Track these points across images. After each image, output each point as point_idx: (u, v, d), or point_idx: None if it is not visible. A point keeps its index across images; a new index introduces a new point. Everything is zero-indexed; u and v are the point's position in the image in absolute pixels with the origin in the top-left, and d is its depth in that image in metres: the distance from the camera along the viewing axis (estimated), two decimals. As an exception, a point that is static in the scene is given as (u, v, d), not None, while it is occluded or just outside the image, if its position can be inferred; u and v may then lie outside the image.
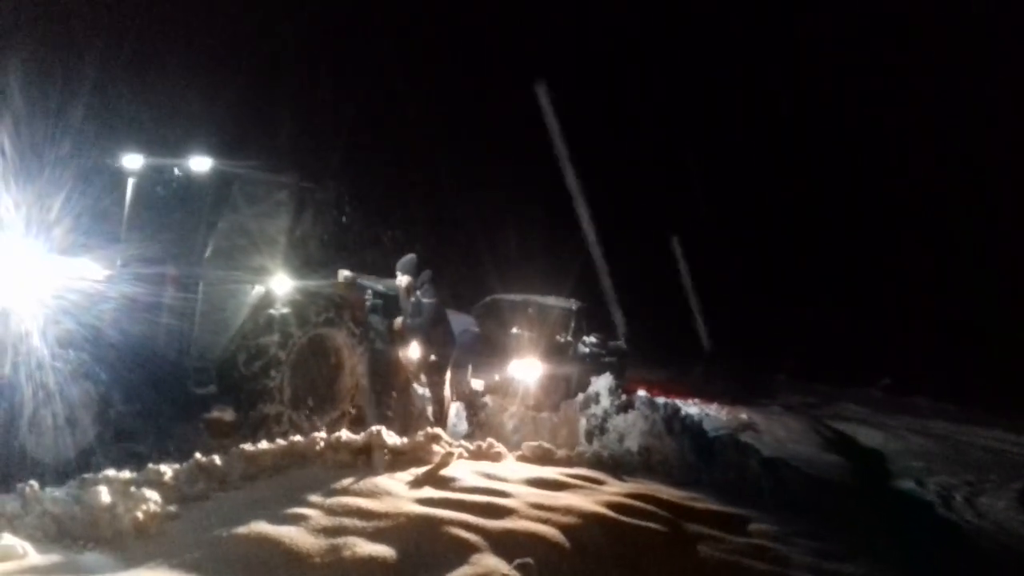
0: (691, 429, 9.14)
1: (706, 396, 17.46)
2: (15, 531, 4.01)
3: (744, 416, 15.19)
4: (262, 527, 4.35)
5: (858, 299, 27.22)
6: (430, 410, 9.49)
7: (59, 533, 4.20)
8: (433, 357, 9.25)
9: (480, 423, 9.84)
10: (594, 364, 11.95)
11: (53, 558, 3.89)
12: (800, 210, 30.23)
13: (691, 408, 14.43)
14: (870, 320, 26.11)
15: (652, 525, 5.72)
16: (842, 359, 23.82)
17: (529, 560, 4.44)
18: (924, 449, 13.54)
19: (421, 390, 9.89)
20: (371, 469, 5.86)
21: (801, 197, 30.26)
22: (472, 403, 9.97)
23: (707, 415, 14.46)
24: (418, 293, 9.22)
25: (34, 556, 3.85)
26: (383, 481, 5.49)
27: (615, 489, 6.68)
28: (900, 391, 21.80)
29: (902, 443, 14.05)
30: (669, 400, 11.06)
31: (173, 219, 7.43)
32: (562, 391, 10.98)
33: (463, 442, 7.27)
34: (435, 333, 9.19)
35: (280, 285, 7.59)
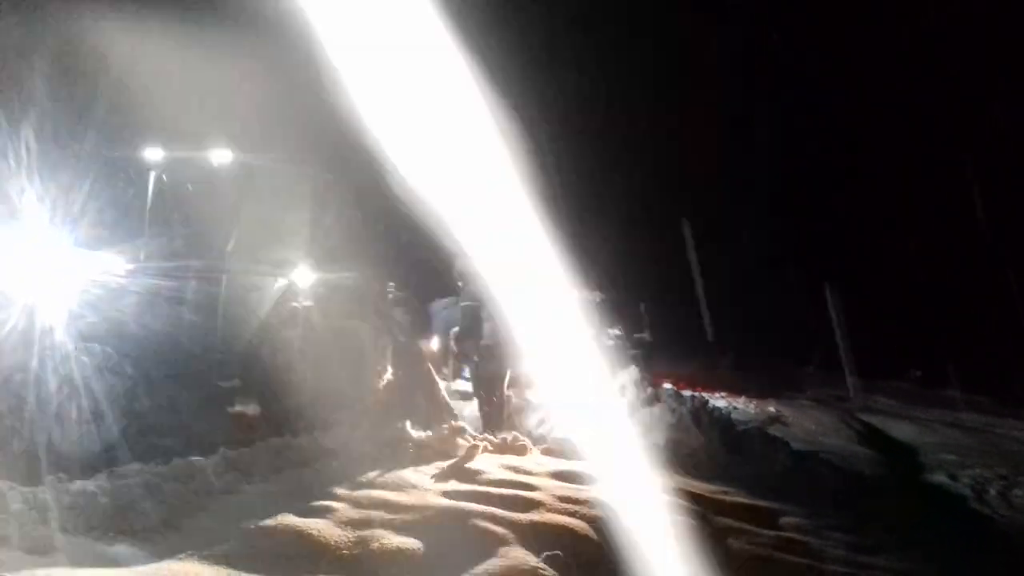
0: (719, 422, 9.04)
1: (734, 389, 17.28)
2: (45, 523, 4.04)
3: (772, 409, 15.01)
4: (289, 519, 4.33)
5: (888, 290, 26.84)
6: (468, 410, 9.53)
7: (88, 526, 4.22)
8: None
9: (504, 417, 9.80)
10: (618, 357, 11.84)
11: (83, 550, 3.90)
12: (828, 199, 29.86)
13: (719, 401, 14.28)
14: (900, 311, 25.75)
15: (681, 518, 5.63)
16: (872, 351, 23.48)
17: (558, 552, 4.38)
18: (957, 442, 13.30)
19: (444, 383, 9.88)
20: (396, 462, 5.84)
21: (829, 186, 29.90)
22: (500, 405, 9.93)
23: (735, 408, 14.29)
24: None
25: (65, 548, 3.86)
26: (408, 474, 5.48)
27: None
28: (932, 383, 21.44)
29: (934, 436, 13.81)
30: (696, 393, 10.94)
31: (195, 212, 7.43)
32: (587, 384, 10.89)
33: (487, 435, 7.22)
34: (467, 344, 9.27)
35: (303, 278, 7.58)
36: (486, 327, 9.23)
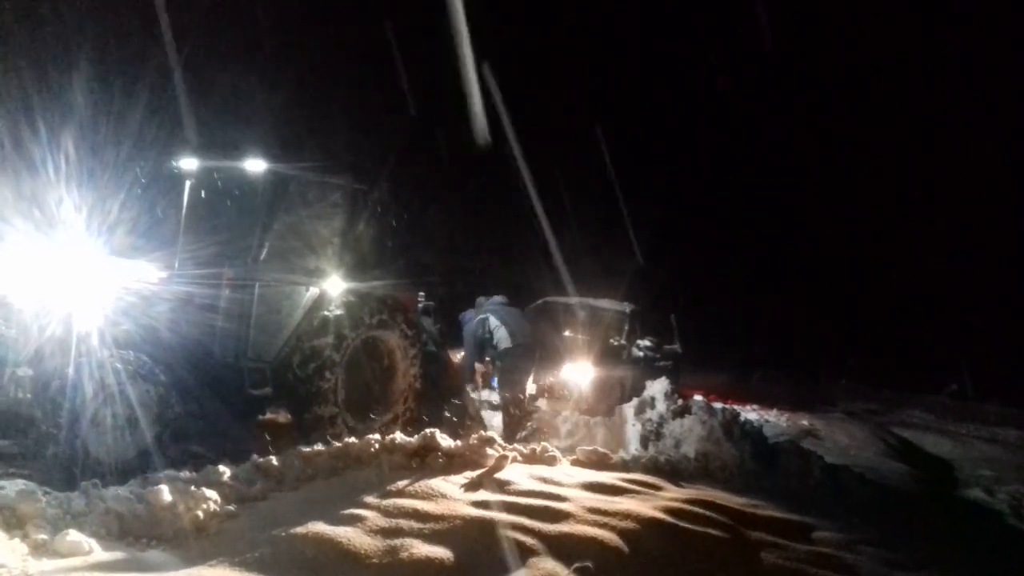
0: (750, 435, 8.91)
1: (765, 402, 17.11)
2: (80, 528, 4.08)
3: (805, 422, 14.83)
4: (319, 527, 4.34)
5: (924, 302, 26.47)
6: (497, 420, 9.56)
7: (122, 531, 4.27)
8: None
9: (533, 427, 9.78)
10: (648, 368, 11.78)
11: (117, 555, 3.94)
12: (866, 212, 29.61)
13: (750, 414, 14.13)
14: (936, 323, 25.38)
15: (713, 531, 5.57)
16: (907, 364, 23.15)
17: (588, 564, 4.34)
18: (993, 457, 13.07)
19: (474, 393, 9.89)
20: (426, 471, 5.83)
21: (866, 199, 29.64)
22: (524, 407, 9.92)
23: (767, 421, 14.14)
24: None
25: (99, 553, 3.92)
26: (438, 483, 5.45)
27: (673, 495, 6.54)
28: (968, 397, 21.09)
29: (970, 451, 13.59)
30: (727, 405, 10.83)
31: (229, 221, 7.51)
32: (616, 395, 10.85)
33: (517, 446, 7.20)
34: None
35: (334, 287, 7.62)
36: (499, 333, 9.29)
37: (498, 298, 9.80)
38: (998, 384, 20.68)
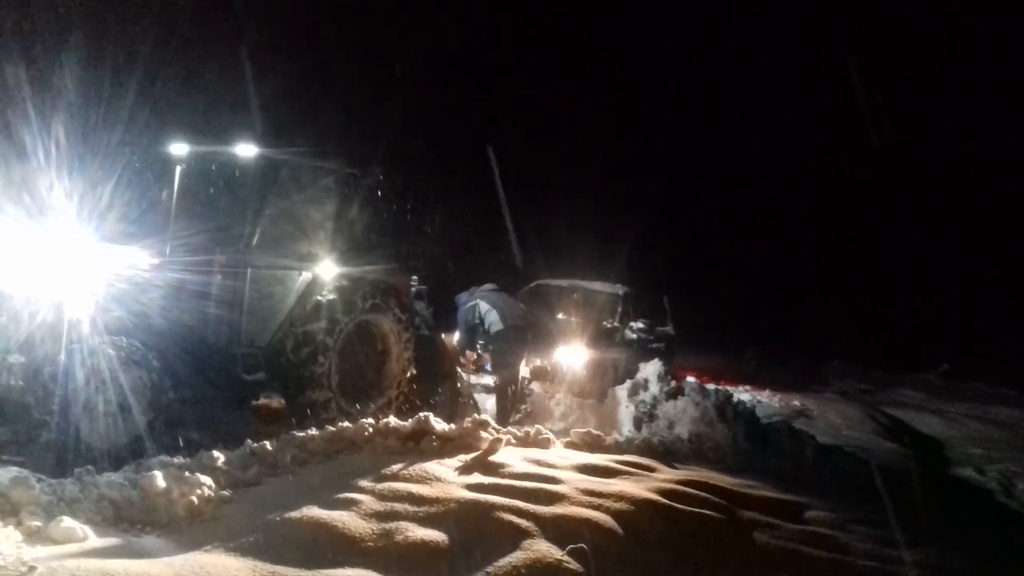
0: (743, 416, 8.97)
1: (758, 383, 17.18)
2: (75, 515, 4.07)
3: (797, 403, 14.93)
4: (314, 512, 4.35)
5: (914, 283, 26.58)
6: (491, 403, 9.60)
7: (116, 517, 4.27)
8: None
9: (527, 410, 9.81)
10: (641, 350, 11.81)
11: (112, 541, 3.93)
12: (856, 193, 29.62)
13: (743, 395, 14.20)
14: (927, 304, 25.50)
15: (706, 512, 5.61)
16: (898, 344, 23.28)
17: (583, 545, 4.37)
18: (984, 436, 13.18)
19: (466, 377, 9.91)
20: (420, 455, 5.84)
21: (857, 180, 29.65)
22: (518, 390, 9.95)
23: (759, 402, 14.21)
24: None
25: (94, 539, 3.90)
26: (432, 467, 5.46)
27: (667, 476, 6.57)
28: (959, 376, 21.21)
29: (961, 430, 13.69)
30: (720, 387, 10.87)
31: (220, 206, 7.48)
32: (609, 377, 10.88)
33: (511, 429, 7.21)
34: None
35: (326, 271, 7.60)
36: (491, 317, 9.35)
37: (488, 286, 9.88)
38: (989, 364, 20.79)
